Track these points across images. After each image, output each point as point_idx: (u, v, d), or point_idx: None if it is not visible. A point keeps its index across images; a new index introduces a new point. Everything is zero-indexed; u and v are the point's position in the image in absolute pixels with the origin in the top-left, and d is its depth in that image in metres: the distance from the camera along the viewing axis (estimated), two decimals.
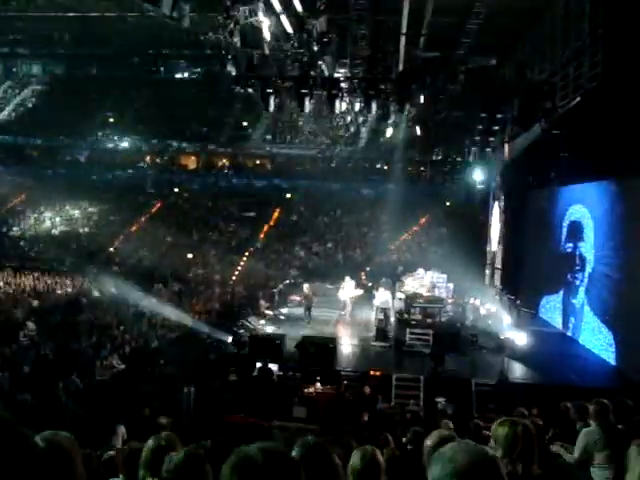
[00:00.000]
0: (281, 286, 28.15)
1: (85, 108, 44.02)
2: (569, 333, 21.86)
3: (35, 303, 25.46)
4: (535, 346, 19.02)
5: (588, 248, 20.40)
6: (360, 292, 23.74)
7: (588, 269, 20.33)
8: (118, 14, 20.64)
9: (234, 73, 17.52)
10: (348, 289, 23.67)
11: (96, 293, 28.00)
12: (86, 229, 38.53)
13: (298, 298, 23.34)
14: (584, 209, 20.93)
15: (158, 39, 22.89)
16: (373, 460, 3.47)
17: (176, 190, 42.74)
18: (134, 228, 39.31)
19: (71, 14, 21.33)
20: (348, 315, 23.08)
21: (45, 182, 41.47)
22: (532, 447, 3.72)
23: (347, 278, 24.22)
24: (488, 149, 26.84)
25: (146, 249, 36.01)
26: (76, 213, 40.21)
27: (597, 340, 19.24)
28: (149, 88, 44.63)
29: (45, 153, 44.56)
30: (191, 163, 45.34)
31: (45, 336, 20.45)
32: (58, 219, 39.66)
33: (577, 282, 21.24)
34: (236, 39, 15.96)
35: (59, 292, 28.03)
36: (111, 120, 44.93)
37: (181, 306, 26.93)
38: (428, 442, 3.98)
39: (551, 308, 24.02)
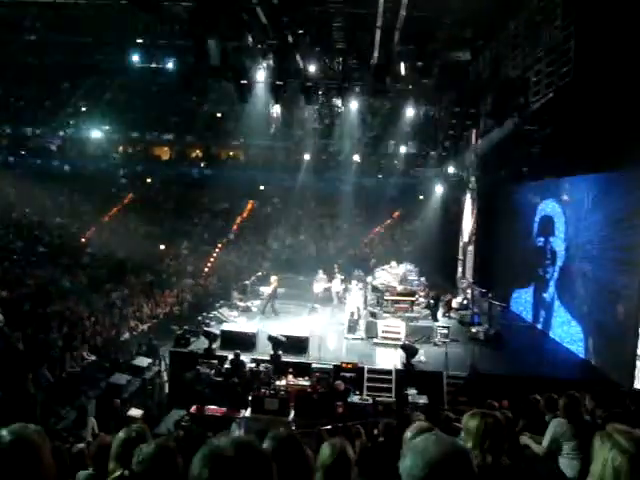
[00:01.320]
0: (254, 278, 28.11)
1: (57, 96, 43.48)
2: (540, 326, 22.12)
3: (4, 293, 25.11)
4: (506, 339, 19.22)
5: (559, 243, 20.64)
6: (339, 285, 23.81)
7: (559, 263, 20.58)
8: (91, 1, 20.35)
9: (209, 64, 17.38)
10: (321, 282, 23.81)
11: (67, 284, 27.71)
12: (57, 219, 38.03)
13: (267, 290, 23.29)
14: (556, 204, 21.16)
15: (132, 28, 22.60)
16: (342, 454, 3.46)
17: (149, 181, 42.43)
18: (106, 219, 38.98)
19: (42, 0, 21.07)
20: (337, 303, 23.28)
21: (15, 171, 40.91)
22: (502, 439, 3.76)
23: (320, 271, 24.32)
24: (461, 143, 26.99)
25: (118, 240, 35.71)
26: (47, 203, 39.69)
27: (567, 334, 19.49)
28: (122, 77, 44.16)
29: (15, 141, 43.91)
30: (164, 154, 44.98)
31: (14, 327, 20.19)
32: (28, 209, 39.10)
33: (548, 276, 21.48)
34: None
35: (29, 282, 27.64)
36: (83, 109, 44.39)
37: (153, 297, 26.79)
38: (408, 434, 3.99)
39: (522, 302, 24.27)
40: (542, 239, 22.30)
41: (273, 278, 23.43)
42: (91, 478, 4.65)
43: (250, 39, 18.12)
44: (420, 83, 21.44)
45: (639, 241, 15.01)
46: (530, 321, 23.05)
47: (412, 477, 2.03)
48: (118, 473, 3.76)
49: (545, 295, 21.74)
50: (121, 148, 44.63)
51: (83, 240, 35.92)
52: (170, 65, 24.27)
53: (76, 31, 24.45)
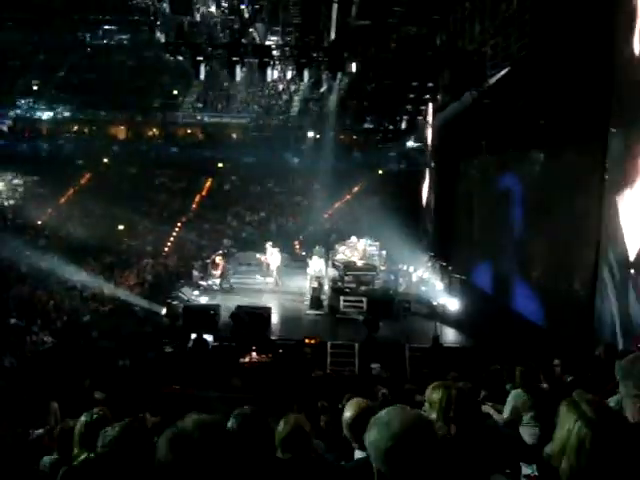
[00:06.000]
0: (214, 256, 27.99)
1: (6, 75, 42.45)
2: (501, 298, 22.37)
3: None
4: (467, 311, 19.45)
5: (517, 216, 20.85)
6: (278, 258, 23.75)
7: (517, 236, 20.81)
8: None
9: (163, 40, 17.11)
10: (276, 255, 23.83)
11: (24, 267, 27.24)
12: (12, 202, 37.30)
13: (217, 272, 23.25)
14: (513, 178, 21.34)
15: (83, 3, 22.11)
16: (299, 427, 3.51)
17: (105, 161, 41.71)
18: (63, 200, 38.28)
19: None
20: (275, 283, 23.27)
21: None
22: (465, 409, 3.82)
23: (268, 244, 24.24)
24: (420, 117, 27.05)
25: (76, 221, 35.15)
26: (0, 185, 38.87)
27: (527, 305, 19.75)
28: (74, 55, 43.22)
29: None
30: (120, 133, 44.24)
31: None
32: None
33: (507, 249, 21.72)
34: (165, 4, 15.60)
35: None
36: (35, 88, 43.38)
37: (113, 278, 26.50)
38: (347, 414, 4.01)
39: (482, 274, 24.52)
40: (501, 212, 22.50)
41: (218, 259, 23.41)
42: (56, 463, 4.60)
43: (204, 13, 17.86)
44: (378, 57, 21.38)
45: (592, 211, 15.20)
46: (491, 293, 23.32)
47: (377, 450, 2.05)
48: (83, 457, 3.74)
49: (505, 267, 21.99)
50: (76, 128, 43.74)
51: (40, 222, 35.26)
52: (124, 42, 23.79)
53: (26, 7, 23.90)
